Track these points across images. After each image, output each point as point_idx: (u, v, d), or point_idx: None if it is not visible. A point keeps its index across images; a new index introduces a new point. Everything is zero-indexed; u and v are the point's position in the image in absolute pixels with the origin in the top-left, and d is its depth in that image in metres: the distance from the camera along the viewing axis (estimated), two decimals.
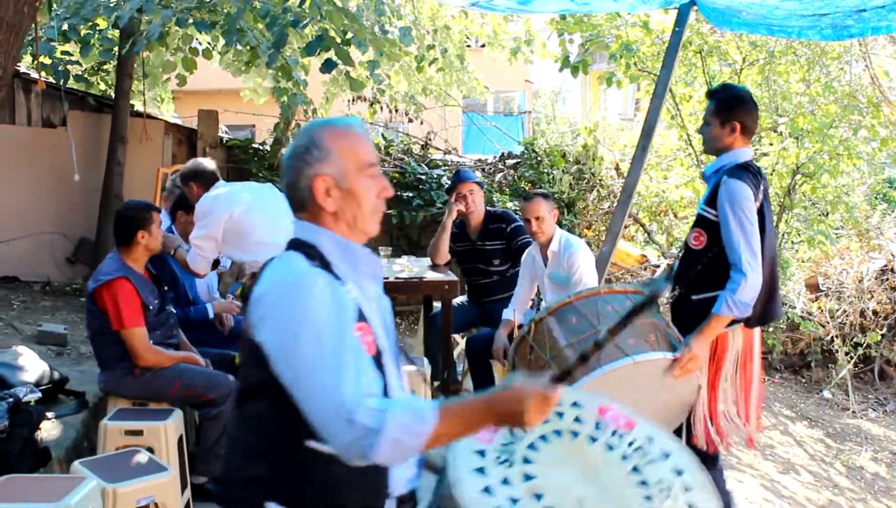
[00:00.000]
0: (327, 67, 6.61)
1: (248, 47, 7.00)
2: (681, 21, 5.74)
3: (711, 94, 3.89)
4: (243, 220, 4.40)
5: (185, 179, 4.83)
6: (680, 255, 3.81)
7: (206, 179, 4.73)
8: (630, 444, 2.06)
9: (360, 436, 1.68)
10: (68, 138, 8.22)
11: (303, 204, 1.98)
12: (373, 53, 7.56)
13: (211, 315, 5.00)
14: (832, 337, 8.15)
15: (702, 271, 3.65)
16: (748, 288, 3.47)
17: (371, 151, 2.04)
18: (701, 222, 3.69)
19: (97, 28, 7.43)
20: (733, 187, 3.55)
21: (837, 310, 8.32)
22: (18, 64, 7.23)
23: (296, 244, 1.95)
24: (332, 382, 1.72)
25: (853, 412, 7.69)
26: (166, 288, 4.56)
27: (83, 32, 7.27)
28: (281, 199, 4.68)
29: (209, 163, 4.92)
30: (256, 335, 1.85)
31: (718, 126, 3.70)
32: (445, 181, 8.84)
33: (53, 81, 7.96)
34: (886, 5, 4.69)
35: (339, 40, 6.63)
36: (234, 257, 4.51)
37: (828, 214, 9.14)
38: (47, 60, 7.53)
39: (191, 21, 6.73)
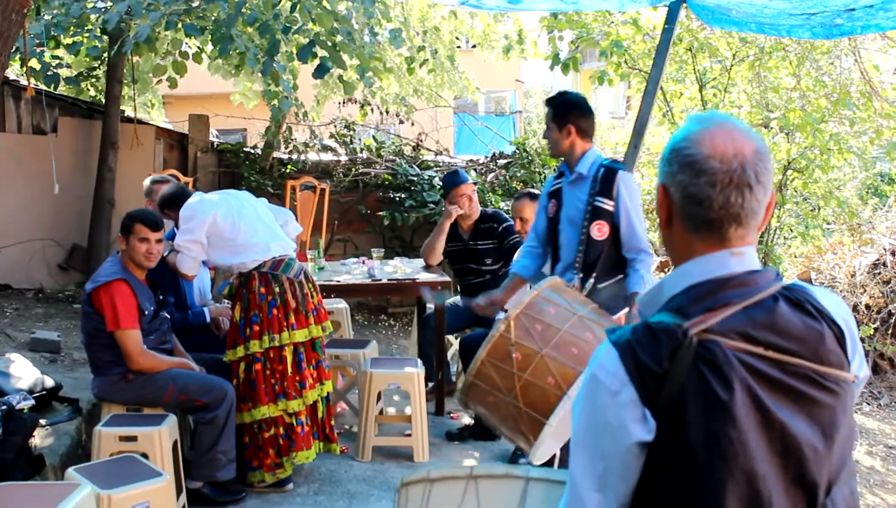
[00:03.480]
0: (320, 72, 6.61)
1: (237, 52, 6.99)
2: (671, 19, 5.75)
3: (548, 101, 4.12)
4: (226, 224, 4.39)
5: (162, 209, 4.80)
6: (582, 248, 3.92)
7: (180, 201, 4.64)
8: None
9: None
10: (54, 146, 8.21)
11: (757, 227, 1.51)
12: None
13: (208, 319, 5.03)
14: None
15: (603, 260, 3.91)
16: (651, 267, 3.92)
17: None
18: (600, 213, 3.89)
19: (85, 27, 7.42)
20: (632, 181, 3.95)
21: None
22: (7, 71, 7.21)
23: (777, 275, 1.51)
24: None
25: None
26: (166, 293, 4.57)
27: (72, 31, 7.26)
28: (259, 203, 4.67)
29: (170, 187, 4.92)
30: (865, 374, 1.55)
31: (556, 130, 3.99)
32: (437, 182, 8.84)
33: (44, 88, 7.95)
34: (875, 4, 4.69)
35: (330, 44, 6.64)
36: (223, 260, 4.49)
37: (819, 209, 9.16)
38: (36, 65, 7.51)
39: (180, 25, 6.72)
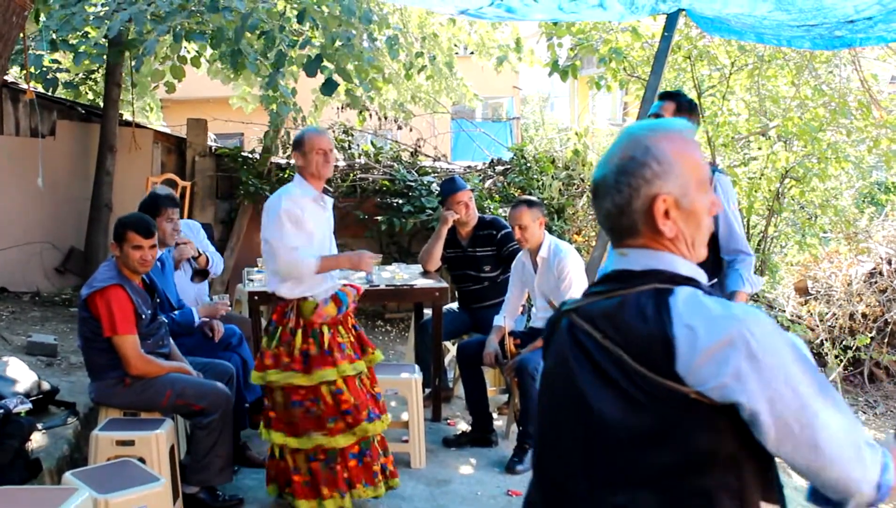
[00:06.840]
0: (328, 88, 6.62)
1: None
2: (670, 27, 5.77)
3: (673, 96, 4.11)
4: None
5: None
6: None
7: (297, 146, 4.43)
8: None
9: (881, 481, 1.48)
10: (51, 149, 8.20)
11: (634, 230, 1.64)
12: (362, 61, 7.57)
13: (197, 320, 4.91)
14: (821, 340, 8.17)
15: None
16: (752, 266, 3.94)
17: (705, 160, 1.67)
18: None
19: (87, 36, 7.43)
20: (727, 182, 3.97)
21: (827, 313, 8.34)
22: (7, 73, 7.21)
23: (667, 278, 1.60)
24: (847, 424, 1.47)
25: None
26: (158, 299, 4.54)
27: (73, 41, 7.28)
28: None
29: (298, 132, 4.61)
30: (730, 395, 1.45)
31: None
32: (435, 188, 8.85)
33: (42, 91, 7.94)
34: (875, 17, 4.72)
35: (334, 55, 6.67)
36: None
37: (816, 217, 9.18)
38: (34, 70, 7.51)
39: (183, 33, 6.74)
